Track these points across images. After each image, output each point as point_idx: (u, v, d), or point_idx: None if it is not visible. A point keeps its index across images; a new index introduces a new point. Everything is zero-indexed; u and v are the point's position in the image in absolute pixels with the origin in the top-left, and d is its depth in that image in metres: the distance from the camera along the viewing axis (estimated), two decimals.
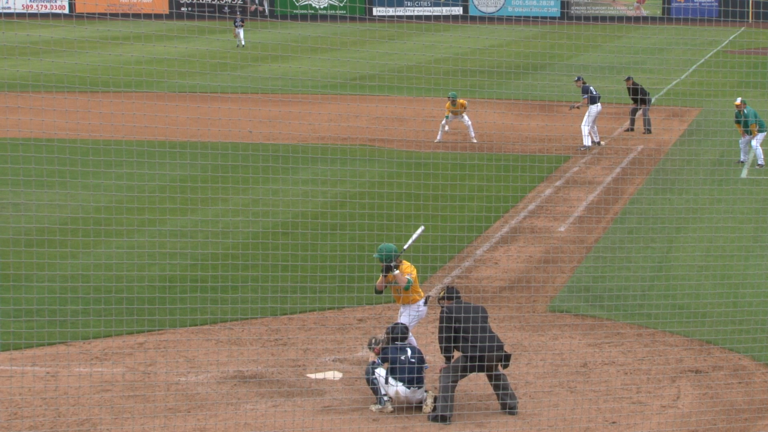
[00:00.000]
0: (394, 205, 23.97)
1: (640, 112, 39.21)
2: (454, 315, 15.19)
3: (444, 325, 15.21)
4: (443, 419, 15.07)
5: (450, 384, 15.15)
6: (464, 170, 30.77)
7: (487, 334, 15.18)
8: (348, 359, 17.47)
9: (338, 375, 16.79)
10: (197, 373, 16.75)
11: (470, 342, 15.04)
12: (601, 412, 15.51)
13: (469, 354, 15.09)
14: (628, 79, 39.21)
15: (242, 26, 68.08)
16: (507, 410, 15.33)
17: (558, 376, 16.86)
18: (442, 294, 16.09)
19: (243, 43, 66.53)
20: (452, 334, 15.13)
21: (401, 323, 15.99)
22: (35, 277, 20.85)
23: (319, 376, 16.68)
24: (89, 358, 17.38)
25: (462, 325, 15.10)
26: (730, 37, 73.59)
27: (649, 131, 38.75)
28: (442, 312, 15.39)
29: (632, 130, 39.16)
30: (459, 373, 15.26)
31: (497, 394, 15.41)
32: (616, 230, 25.83)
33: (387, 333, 15.77)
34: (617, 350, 17.97)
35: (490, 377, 15.40)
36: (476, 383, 16.48)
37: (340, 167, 31.82)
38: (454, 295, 15.85)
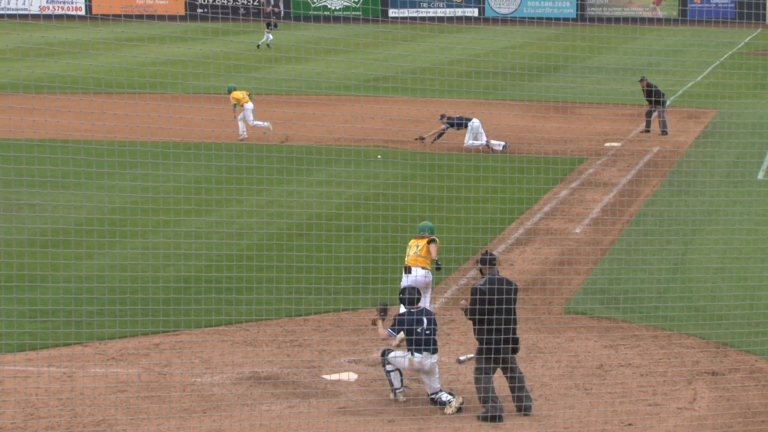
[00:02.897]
0: (409, 207, 23.95)
1: (655, 114, 39.13)
2: (488, 287, 15.20)
3: (477, 297, 15.21)
4: (497, 419, 15.09)
5: (485, 386, 15.14)
6: (479, 172, 30.74)
7: (511, 317, 15.25)
8: (363, 360, 17.47)
9: (353, 376, 16.79)
10: (213, 374, 16.77)
11: (495, 325, 15.05)
12: (617, 414, 15.47)
13: (485, 344, 15.11)
14: (642, 80, 39.11)
15: (272, 30, 67.59)
16: (522, 412, 15.32)
17: (574, 377, 16.83)
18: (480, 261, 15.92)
19: (263, 43, 66.13)
20: (486, 307, 15.09)
21: (411, 286, 16.20)
22: (52, 278, 20.90)
23: (335, 377, 16.69)
24: (105, 359, 17.42)
25: (494, 299, 15.13)
26: (747, 39, 73.39)
27: (665, 132, 38.67)
28: (477, 284, 15.46)
29: (648, 131, 39.09)
30: (483, 374, 15.21)
31: (513, 396, 15.40)
32: (632, 232, 25.77)
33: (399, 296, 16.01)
34: (633, 352, 17.93)
35: (505, 371, 15.36)
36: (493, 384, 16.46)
37: (355, 168, 31.83)
38: (488, 262, 15.72)
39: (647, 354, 17.82)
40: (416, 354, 15.64)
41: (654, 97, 38.56)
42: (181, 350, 17.74)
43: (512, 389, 15.38)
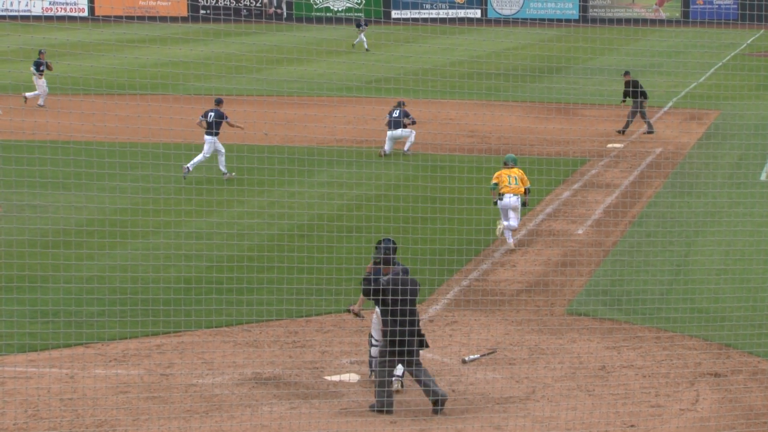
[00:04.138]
0: (411, 208, 23.95)
1: (638, 113, 38.78)
2: (391, 287, 15.38)
3: (381, 287, 15.43)
4: (386, 412, 15.28)
5: (387, 379, 15.38)
6: (481, 173, 30.72)
7: (416, 318, 15.44)
8: (365, 361, 17.45)
9: (356, 377, 16.78)
10: (215, 375, 16.76)
11: (399, 317, 15.24)
12: (620, 415, 15.46)
13: (389, 337, 15.31)
14: (627, 73, 38.85)
15: (365, 30, 66.87)
16: (440, 406, 15.32)
17: (576, 379, 16.82)
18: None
19: (358, 42, 65.52)
20: (389, 307, 15.33)
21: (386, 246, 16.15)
22: (54, 279, 20.90)
23: (337, 378, 16.68)
24: (107, 360, 17.41)
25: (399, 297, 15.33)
26: (749, 40, 73.35)
27: (651, 131, 38.37)
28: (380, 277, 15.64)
29: (623, 132, 38.79)
30: (387, 367, 15.42)
31: (429, 391, 15.40)
32: (635, 233, 25.75)
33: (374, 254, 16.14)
34: (636, 353, 17.91)
35: (410, 367, 15.49)
36: (493, 386, 16.46)
37: (357, 170, 31.81)
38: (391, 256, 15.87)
39: (650, 355, 17.80)
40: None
41: (635, 96, 38.15)
42: (183, 351, 17.74)
43: (419, 383, 15.46)
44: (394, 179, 30.64)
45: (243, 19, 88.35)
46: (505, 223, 23.75)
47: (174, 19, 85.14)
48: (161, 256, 22.51)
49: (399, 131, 34.34)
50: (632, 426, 15.11)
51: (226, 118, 31.34)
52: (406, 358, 15.40)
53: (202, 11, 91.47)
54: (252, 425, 15.01)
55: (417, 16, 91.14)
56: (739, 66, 58.04)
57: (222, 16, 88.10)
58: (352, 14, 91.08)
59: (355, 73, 51.18)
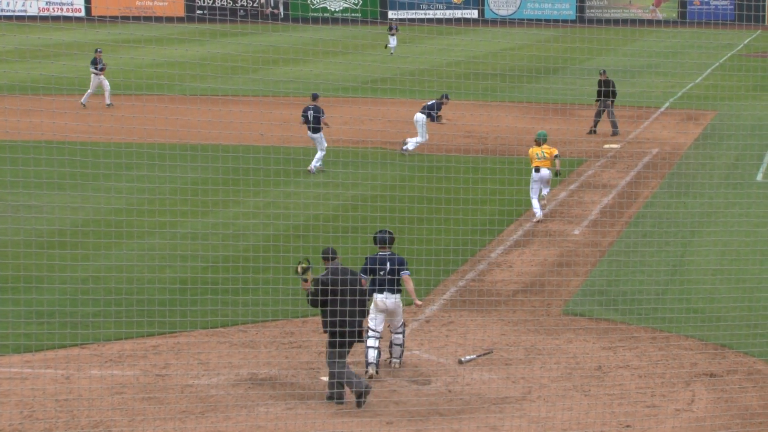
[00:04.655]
0: (407, 208, 23.95)
1: (605, 113, 38.77)
2: (330, 277, 15.71)
3: (320, 288, 15.73)
4: (337, 403, 15.63)
5: (342, 371, 15.62)
6: (478, 173, 30.72)
7: (356, 309, 15.73)
8: (361, 362, 17.44)
9: None
10: (211, 376, 16.75)
11: (338, 307, 15.55)
12: (616, 415, 15.46)
13: (332, 332, 15.59)
14: (603, 72, 38.82)
15: (396, 33, 66.09)
16: (363, 398, 15.58)
17: (572, 379, 16.82)
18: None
19: (393, 51, 64.71)
20: (328, 298, 15.64)
21: (383, 229, 17.28)
22: (49, 280, 20.88)
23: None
24: (103, 361, 17.40)
25: (339, 287, 15.65)
26: (746, 41, 73.41)
27: (616, 133, 38.36)
28: (320, 275, 16.01)
29: (595, 132, 38.77)
30: (338, 361, 15.67)
31: (352, 382, 15.72)
32: (631, 234, 25.76)
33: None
34: (632, 354, 17.92)
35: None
36: (489, 386, 16.46)
37: (354, 170, 31.80)
38: (330, 255, 16.21)
39: (645, 355, 17.81)
40: (378, 294, 16.87)
41: (606, 96, 38.09)
42: (180, 352, 17.73)
43: (349, 375, 15.75)
44: (391, 180, 30.64)
45: (239, 19, 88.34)
46: (534, 200, 26.91)
47: (170, 20, 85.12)
48: (157, 257, 22.50)
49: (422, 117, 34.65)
50: (628, 426, 15.12)
51: (323, 116, 32.34)
52: (348, 349, 15.78)
53: (198, 11, 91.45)
54: (248, 426, 15.01)
55: (413, 16, 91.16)
56: (736, 67, 58.08)
57: (218, 17, 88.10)
58: (348, 14, 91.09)
59: (352, 73, 51.19)
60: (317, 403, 15.77)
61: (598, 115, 38.82)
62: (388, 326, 17.35)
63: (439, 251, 22.19)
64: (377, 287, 16.92)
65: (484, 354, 17.69)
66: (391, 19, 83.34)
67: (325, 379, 16.63)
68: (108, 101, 43.42)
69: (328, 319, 15.66)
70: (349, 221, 24.36)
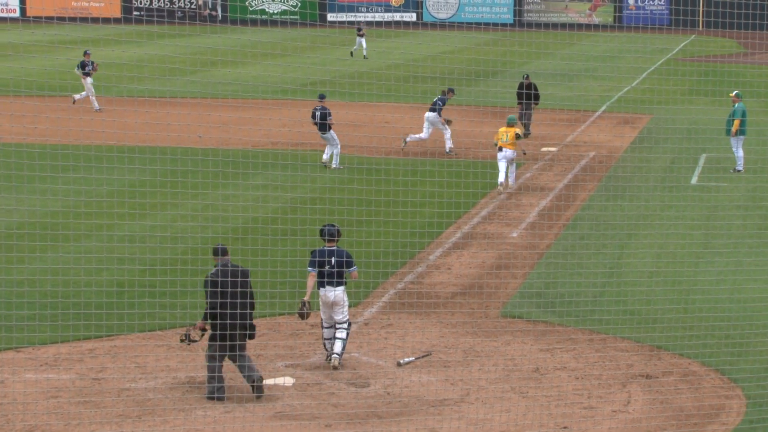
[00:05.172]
0: (346, 211, 23.95)
1: (525, 114, 39.11)
2: (220, 279, 15.90)
3: (209, 289, 15.93)
4: (218, 399, 15.79)
5: (214, 368, 15.85)
6: (417, 176, 30.79)
7: (247, 301, 15.94)
8: (301, 365, 17.43)
9: (290, 381, 16.74)
10: (148, 379, 16.63)
11: (229, 309, 15.76)
12: (553, 417, 15.56)
13: (217, 328, 15.82)
14: (526, 77, 39.09)
15: (363, 35, 65.33)
16: (256, 393, 15.84)
17: (510, 381, 16.91)
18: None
19: (366, 54, 63.74)
20: (218, 300, 15.85)
21: (330, 224, 17.77)
22: None
23: (272, 381, 16.61)
24: (38, 364, 17.21)
25: (228, 289, 15.87)
26: (681, 45, 74.23)
27: (528, 134, 38.78)
28: (207, 276, 16.18)
29: (529, 134, 39.10)
30: (218, 360, 15.91)
31: (244, 376, 16.02)
32: (568, 236, 25.94)
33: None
34: (569, 355, 18.04)
35: (233, 356, 16.00)
36: (428, 388, 16.50)
37: (293, 173, 31.74)
38: (219, 253, 16.37)
39: (582, 357, 17.94)
40: (321, 288, 17.36)
41: (527, 99, 38.36)
42: (116, 355, 17.59)
43: (242, 369, 16.01)
44: (330, 182, 30.63)
45: (177, 20, 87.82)
46: (501, 178, 30.04)
47: (107, 21, 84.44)
48: (94, 260, 22.31)
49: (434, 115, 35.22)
50: (565, 428, 15.22)
51: (329, 116, 32.86)
52: (229, 343, 15.92)
53: (135, 12, 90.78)
54: (186, 429, 14.92)
55: (353, 19, 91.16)
56: (671, 71, 58.71)
57: (156, 18, 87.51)
58: (287, 17, 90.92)
59: (291, 75, 51.05)
60: (255, 405, 15.72)
61: (521, 117, 39.20)
62: (334, 320, 17.53)
63: (378, 254, 22.20)
64: (321, 280, 17.35)
65: (423, 356, 17.73)
66: (359, 21, 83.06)
67: (265, 381, 16.59)
68: (96, 106, 42.73)
69: (215, 312, 15.86)
70: (288, 224, 24.31)
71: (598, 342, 18.66)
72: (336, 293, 17.34)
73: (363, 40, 65.51)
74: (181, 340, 16.41)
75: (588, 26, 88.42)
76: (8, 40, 41.88)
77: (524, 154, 31.83)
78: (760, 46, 65.33)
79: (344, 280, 17.43)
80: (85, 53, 43.42)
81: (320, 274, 17.38)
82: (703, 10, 79.60)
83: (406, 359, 17.54)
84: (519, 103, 39.11)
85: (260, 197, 28.62)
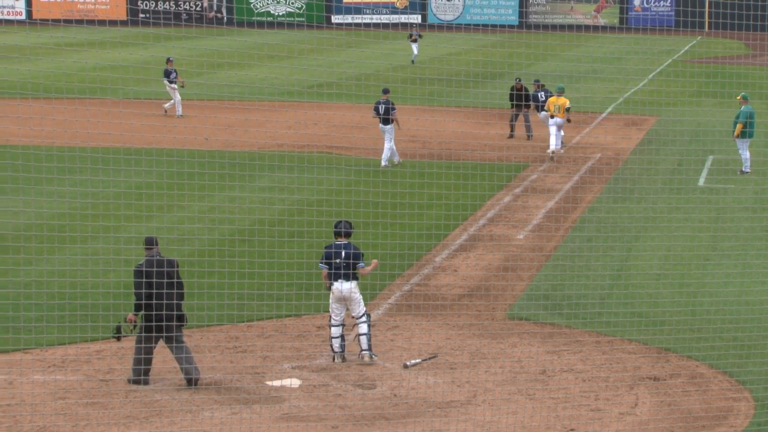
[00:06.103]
0: (352, 213, 23.94)
1: (521, 118, 39.17)
2: (145, 269, 16.25)
3: (138, 280, 16.28)
4: (142, 383, 16.19)
5: (140, 356, 16.24)
6: (423, 178, 30.79)
7: (173, 292, 16.26)
8: (307, 366, 17.44)
9: (297, 382, 16.75)
10: (156, 381, 16.64)
11: (154, 300, 16.10)
12: (560, 419, 15.55)
13: (145, 317, 16.22)
14: (518, 81, 39.12)
15: (416, 41, 64.55)
16: (192, 385, 16.14)
17: (517, 383, 16.90)
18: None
19: (414, 59, 63.07)
20: (143, 291, 16.20)
21: (345, 220, 18.11)
22: None
23: (278, 383, 16.64)
24: (46, 366, 17.23)
25: (154, 280, 16.20)
26: (687, 47, 74.20)
27: (512, 136, 38.86)
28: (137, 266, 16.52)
29: (512, 136, 39.13)
30: (144, 344, 16.28)
31: (181, 368, 16.30)
32: (575, 238, 25.93)
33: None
34: (576, 357, 18.03)
35: (170, 345, 16.33)
36: (435, 390, 16.50)
37: (299, 174, 31.76)
38: (148, 245, 16.75)
39: (589, 359, 17.93)
40: (334, 282, 17.59)
41: (518, 101, 38.42)
42: (123, 357, 17.60)
43: (179, 361, 16.29)
44: (336, 184, 30.64)
45: (183, 23, 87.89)
46: (552, 146, 34.93)
47: (113, 23, 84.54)
48: (101, 262, 22.32)
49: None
50: (572, 430, 15.21)
51: (393, 109, 33.59)
52: (165, 335, 16.27)
53: (141, 15, 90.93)
54: (193, 431, 14.93)
55: (359, 21, 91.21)
56: (677, 72, 58.68)
57: (162, 20, 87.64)
58: (293, 19, 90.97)
59: (296, 77, 51.10)
60: (262, 407, 15.73)
61: (514, 118, 39.32)
62: (352, 316, 17.78)
63: (384, 256, 22.20)
64: (333, 275, 17.63)
65: (429, 358, 17.73)
66: (413, 25, 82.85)
67: (271, 383, 16.62)
68: (179, 112, 42.36)
69: (142, 302, 16.22)
70: (294, 226, 24.32)
71: (605, 344, 18.64)
72: (348, 287, 17.58)
73: (416, 46, 64.92)
74: (113, 335, 16.59)
75: (593, 28, 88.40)
76: (14, 43, 41.92)
77: (569, 121, 36.00)
78: (766, 48, 65.27)
79: (356, 272, 17.70)
80: (168, 60, 42.97)
81: (332, 268, 17.67)
82: (709, 12, 79.56)
83: (413, 361, 17.55)
84: (511, 106, 39.18)
85: (266, 199, 28.64)
